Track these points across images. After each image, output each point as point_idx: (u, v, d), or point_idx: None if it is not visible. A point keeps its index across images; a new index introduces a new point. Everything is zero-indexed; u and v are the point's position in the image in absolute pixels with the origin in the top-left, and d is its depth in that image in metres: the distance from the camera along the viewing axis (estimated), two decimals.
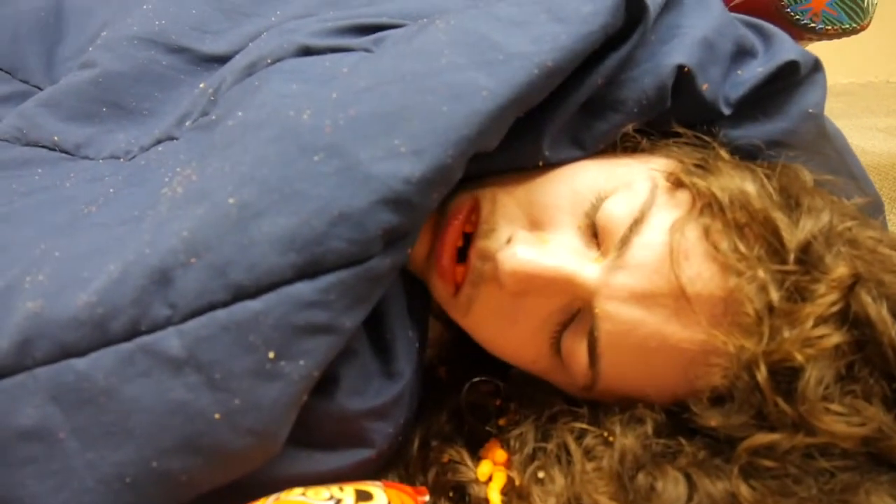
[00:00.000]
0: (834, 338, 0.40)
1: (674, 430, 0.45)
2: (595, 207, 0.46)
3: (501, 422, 0.52)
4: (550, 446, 0.47)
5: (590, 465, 0.45)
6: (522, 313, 0.47)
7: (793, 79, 0.49)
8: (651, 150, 0.50)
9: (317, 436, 0.45)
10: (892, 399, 0.41)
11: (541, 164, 0.48)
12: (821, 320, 0.40)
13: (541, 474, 0.46)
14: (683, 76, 0.47)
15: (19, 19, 0.67)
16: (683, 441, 0.44)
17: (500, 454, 0.49)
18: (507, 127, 0.44)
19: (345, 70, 0.48)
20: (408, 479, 0.50)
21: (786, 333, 0.40)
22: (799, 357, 0.39)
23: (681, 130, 0.49)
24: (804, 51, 0.50)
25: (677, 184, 0.46)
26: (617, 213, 0.45)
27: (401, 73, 0.44)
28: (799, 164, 0.49)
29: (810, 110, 0.49)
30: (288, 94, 0.47)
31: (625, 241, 0.44)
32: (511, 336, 0.49)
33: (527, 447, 0.48)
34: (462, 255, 0.50)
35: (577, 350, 0.46)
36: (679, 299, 0.42)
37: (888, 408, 0.41)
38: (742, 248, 0.42)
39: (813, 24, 0.57)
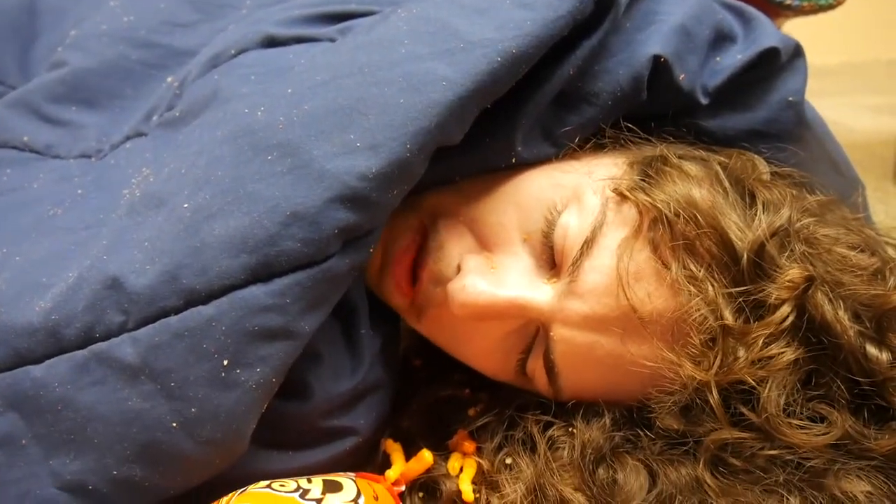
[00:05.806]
0: (787, 355, 0.39)
1: (633, 422, 0.45)
2: (547, 224, 0.45)
3: (471, 412, 0.52)
4: (518, 435, 0.47)
5: (553, 455, 0.45)
6: (477, 334, 0.47)
7: (773, 66, 0.47)
8: (599, 151, 0.48)
9: (294, 438, 0.45)
10: (857, 401, 0.40)
11: (514, 160, 0.46)
12: (773, 338, 0.39)
13: (509, 460, 0.46)
14: (660, 67, 0.45)
15: None
16: (641, 433, 0.44)
17: (469, 445, 0.49)
18: (472, 118, 0.43)
19: (303, 62, 0.46)
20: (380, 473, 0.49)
21: (740, 353, 0.39)
22: (751, 380, 0.39)
23: (630, 127, 0.47)
24: (784, 36, 0.48)
25: (623, 197, 0.44)
26: (569, 232, 0.44)
27: (358, 65, 0.42)
28: (761, 154, 0.47)
29: (790, 98, 0.48)
30: (245, 91, 0.46)
31: (576, 265, 0.43)
32: (468, 350, 0.49)
33: (496, 436, 0.48)
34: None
35: (537, 369, 0.46)
36: (632, 321, 0.41)
37: (854, 411, 0.40)
38: (692, 265, 0.41)
39: (789, 2, 0.56)
